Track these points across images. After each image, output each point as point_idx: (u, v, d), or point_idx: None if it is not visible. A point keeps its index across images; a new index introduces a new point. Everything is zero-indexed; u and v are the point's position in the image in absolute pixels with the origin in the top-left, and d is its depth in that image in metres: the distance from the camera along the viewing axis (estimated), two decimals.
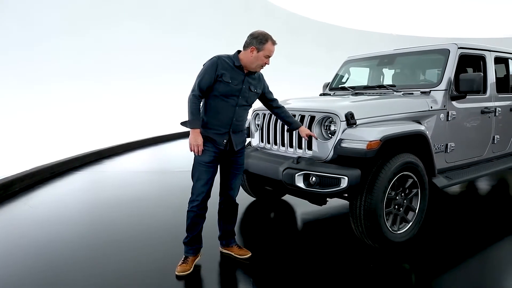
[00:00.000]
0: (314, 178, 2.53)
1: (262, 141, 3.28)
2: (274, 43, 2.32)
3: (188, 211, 2.41)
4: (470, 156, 3.55)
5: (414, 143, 2.87)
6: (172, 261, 2.48)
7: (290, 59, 14.21)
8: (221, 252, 2.69)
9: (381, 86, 3.64)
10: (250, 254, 2.63)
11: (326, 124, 2.73)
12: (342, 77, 4.29)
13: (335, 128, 2.64)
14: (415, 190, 2.82)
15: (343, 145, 2.56)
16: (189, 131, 2.29)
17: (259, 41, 2.27)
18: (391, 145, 2.69)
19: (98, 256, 2.66)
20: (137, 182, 4.93)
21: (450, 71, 3.21)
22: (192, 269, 2.41)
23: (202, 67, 2.32)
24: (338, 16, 17.07)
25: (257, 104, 2.78)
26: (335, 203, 3.62)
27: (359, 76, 4.31)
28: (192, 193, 2.39)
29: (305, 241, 2.96)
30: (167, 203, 3.99)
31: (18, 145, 7.03)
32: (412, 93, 3.26)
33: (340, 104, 2.87)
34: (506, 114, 3.86)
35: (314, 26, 16.80)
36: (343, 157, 2.60)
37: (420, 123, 2.94)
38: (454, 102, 3.24)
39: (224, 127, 2.33)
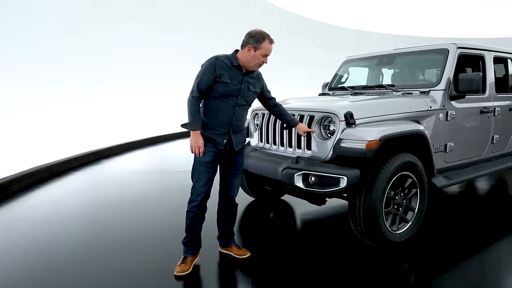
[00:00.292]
0: (313, 178, 2.53)
1: (261, 141, 3.28)
2: (271, 42, 2.31)
3: (187, 211, 2.41)
4: (469, 156, 3.55)
5: (413, 143, 2.87)
6: (171, 261, 2.48)
7: (290, 59, 14.22)
8: (220, 252, 2.69)
9: (380, 86, 3.64)
10: (249, 254, 2.63)
11: (325, 124, 2.73)
12: (341, 77, 4.28)
13: (334, 128, 2.64)
14: (414, 190, 2.82)
15: (342, 145, 2.56)
16: (188, 132, 2.29)
17: (256, 40, 2.26)
18: (390, 145, 2.68)
19: (97, 256, 2.65)
20: (136, 182, 4.93)
21: (449, 71, 3.21)
22: (191, 269, 2.40)
23: (200, 68, 2.31)
24: (337, 16, 17.07)
25: (256, 104, 2.78)
26: (334, 203, 3.62)
27: (358, 76, 4.31)
28: (191, 193, 2.39)
29: (305, 241, 2.95)
30: (166, 203, 3.98)
31: (17, 145, 7.02)
32: (411, 93, 3.26)
33: (339, 104, 2.87)
34: (505, 114, 3.86)
35: (313, 26, 16.80)
36: (342, 157, 2.60)
37: (419, 123, 2.94)
38: (453, 102, 3.24)
39: (224, 127, 2.33)
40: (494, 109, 3.69)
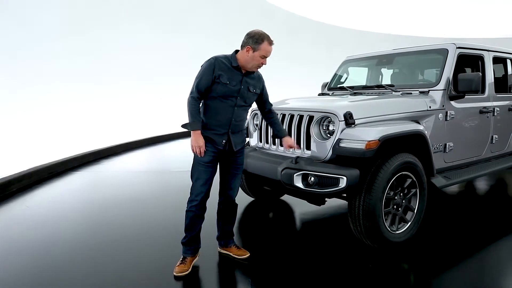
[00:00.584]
0: (312, 178, 2.52)
1: (261, 141, 3.28)
2: (270, 43, 2.29)
3: (186, 211, 2.40)
4: (468, 156, 3.56)
5: (412, 143, 2.87)
6: (171, 262, 2.47)
7: (289, 59, 14.21)
8: (219, 252, 2.68)
9: (380, 86, 3.64)
10: (249, 254, 2.62)
11: (324, 124, 2.73)
12: (340, 77, 4.28)
13: (334, 128, 2.64)
14: (413, 190, 2.82)
15: (341, 145, 2.55)
16: (188, 132, 2.29)
17: (255, 40, 2.24)
18: (390, 145, 2.68)
19: (96, 257, 2.65)
20: (136, 182, 4.92)
21: (448, 71, 3.21)
22: (190, 269, 2.40)
23: (200, 68, 2.31)
24: (337, 16, 17.08)
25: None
26: (333, 203, 3.61)
27: (357, 76, 4.31)
28: (191, 193, 2.39)
29: (304, 241, 2.95)
30: (166, 203, 3.98)
31: (17, 145, 7.01)
32: (411, 93, 3.26)
33: (339, 104, 2.87)
34: (505, 114, 3.86)
35: (313, 26, 16.80)
36: (342, 157, 2.60)
37: (418, 123, 2.94)
38: (452, 102, 3.24)
39: (223, 127, 2.33)
40: (494, 109, 3.69)
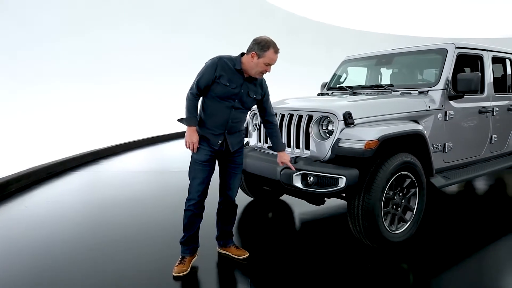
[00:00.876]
0: (312, 178, 2.52)
1: (260, 141, 3.28)
2: (276, 51, 2.24)
3: (185, 210, 2.40)
4: (467, 155, 3.56)
5: (412, 142, 2.87)
6: (170, 262, 2.47)
7: (289, 59, 14.17)
8: (218, 252, 2.68)
9: (379, 86, 3.64)
10: (248, 254, 2.62)
11: (324, 123, 2.73)
12: (340, 76, 4.28)
13: (333, 128, 2.63)
14: (413, 190, 2.82)
15: (341, 144, 2.55)
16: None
17: (261, 47, 2.20)
18: (389, 144, 2.68)
19: (95, 257, 2.64)
20: (135, 182, 4.92)
21: (448, 70, 3.21)
22: (189, 269, 2.40)
23: (204, 65, 2.30)
24: (336, 16, 17.08)
25: None
26: (333, 203, 3.61)
27: (357, 76, 4.31)
28: (189, 192, 2.39)
29: (303, 241, 2.95)
30: (165, 203, 3.97)
31: (16, 145, 7.00)
32: (410, 93, 3.26)
33: (338, 104, 2.87)
34: (504, 114, 3.86)
35: (312, 26, 16.81)
36: (341, 157, 2.60)
37: (418, 122, 2.94)
38: (452, 102, 3.24)
39: (219, 128, 2.32)
40: (493, 109, 3.69)
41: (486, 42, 4.19)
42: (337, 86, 4.12)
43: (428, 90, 3.19)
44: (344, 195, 2.75)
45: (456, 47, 3.30)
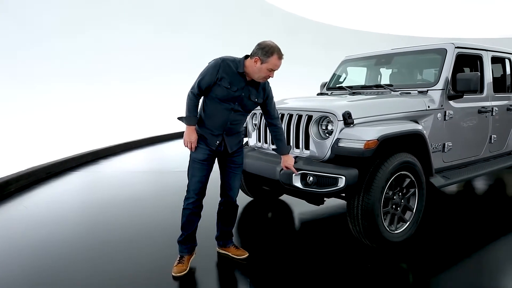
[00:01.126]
0: (311, 178, 2.52)
1: (260, 141, 3.27)
2: (280, 57, 2.20)
3: (183, 208, 2.41)
4: (467, 155, 3.56)
5: (411, 142, 2.87)
6: (169, 262, 2.47)
7: (288, 59, 14.12)
8: (218, 252, 2.68)
9: (379, 86, 3.64)
10: (247, 254, 2.62)
11: (323, 123, 2.73)
12: (339, 76, 4.28)
13: (333, 128, 2.63)
14: (412, 190, 2.82)
15: (340, 144, 2.55)
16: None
17: (265, 53, 2.17)
18: (389, 144, 2.68)
19: (94, 257, 2.64)
20: (134, 182, 4.91)
21: (447, 70, 3.21)
22: (188, 268, 2.40)
23: (207, 64, 2.29)
24: (335, 16, 17.08)
25: None
26: (332, 203, 3.61)
27: (356, 76, 4.31)
28: (187, 191, 2.40)
29: (303, 241, 2.95)
30: (165, 203, 3.97)
31: (15, 145, 7.00)
32: (410, 93, 3.26)
33: (338, 104, 2.87)
34: (503, 114, 3.87)
35: (311, 26, 16.81)
36: (341, 157, 2.60)
37: (417, 122, 2.94)
38: (451, 102, 3.24)
39: (218, 129, 2.31)
40: (492, 108, 3.69)
41: (486, 42, 4.19)
42: (337, 86, 4.12)
43: (428, 90, 3.20)
44: (343, 195, 2.75)
45: (455, 47, 3.30)
